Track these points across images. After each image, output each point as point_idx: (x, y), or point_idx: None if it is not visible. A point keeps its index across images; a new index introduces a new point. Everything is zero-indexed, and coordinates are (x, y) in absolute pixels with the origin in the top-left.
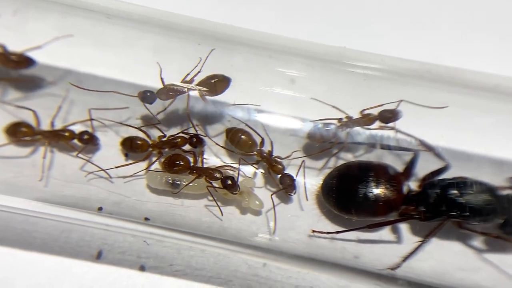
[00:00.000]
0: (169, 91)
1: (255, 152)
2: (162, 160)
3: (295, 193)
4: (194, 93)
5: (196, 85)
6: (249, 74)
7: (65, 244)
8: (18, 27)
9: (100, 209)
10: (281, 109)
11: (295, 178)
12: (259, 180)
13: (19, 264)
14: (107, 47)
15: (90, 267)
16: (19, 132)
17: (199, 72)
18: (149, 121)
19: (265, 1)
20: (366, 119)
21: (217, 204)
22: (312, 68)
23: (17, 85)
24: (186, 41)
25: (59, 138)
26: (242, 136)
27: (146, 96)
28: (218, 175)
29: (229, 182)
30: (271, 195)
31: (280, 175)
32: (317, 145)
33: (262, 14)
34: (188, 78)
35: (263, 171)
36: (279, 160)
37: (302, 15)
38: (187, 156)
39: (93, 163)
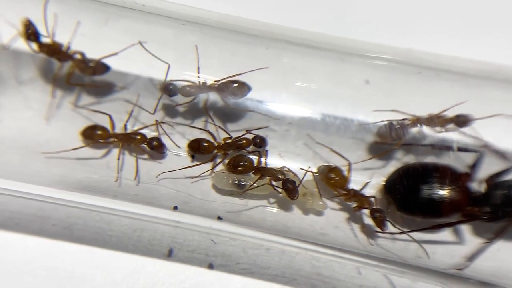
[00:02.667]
0: (192, 89)
1: (344, 192)
2: (227, 161)
3: (386, 229)
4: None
5: (218, 86)
6: (319, 77)
7: (138, 243)
8: (92, 34)
9: (175, 208)
10: (338, 110)
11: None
12: None
13: (97, 261)
14: (177, 52)
15: (162, 264)
16: (95, 135)
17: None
18: (212, 123)
19: (330, 4)
20: (439, 121)
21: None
22: (378, 69)
23: (90, 90)
24: (254, 45)
25: (132, 141)
26: (333, 175)
27: (169, 88)
28: (281, 176)
29: (290, 186)
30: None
31: (370, 210)
32: (383, 145)
33: (327, 17)
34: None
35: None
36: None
37: (366, 17)
38: (251, 157)
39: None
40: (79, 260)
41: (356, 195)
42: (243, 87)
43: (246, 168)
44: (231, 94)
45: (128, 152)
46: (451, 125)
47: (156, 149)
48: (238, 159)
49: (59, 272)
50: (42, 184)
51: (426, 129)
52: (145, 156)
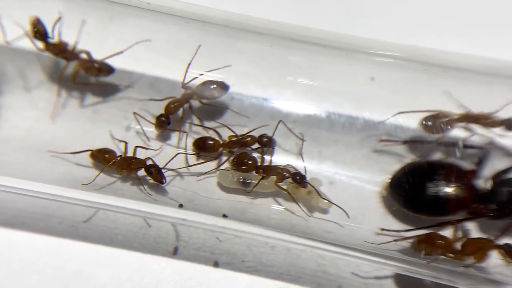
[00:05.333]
0: (175, 104)
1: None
2: (232, 159)
3: None
4: None
5: (195, 90)
6: (324, 74)
7: (143, 241)
8: (97, 32)
9: (180, 206)
10: (343, 108)
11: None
12: None
13: (103, 259)
14: (182, 50)
15: (167, 262)
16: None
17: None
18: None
19: (335, 1)
20: (489, 122)
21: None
22: (384, 66)
23: (95, 89)
24: (258, 43)
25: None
26: (426, 246)
27: (162, 121)
28: (287, 174)
29: (299, 178)
30: None
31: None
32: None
33: (332, 14)
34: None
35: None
36: None
37: (370, 13)
38: (256, 156)
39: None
40: (85, 258)
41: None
42: (222, 87)
43: (249, 166)
44: (210, 95)
45: None
46: (500, 128)
47: (154, 178)
48: (242, 157)
49: (65, 271)
50: (47, 182)
51: (472, 127)
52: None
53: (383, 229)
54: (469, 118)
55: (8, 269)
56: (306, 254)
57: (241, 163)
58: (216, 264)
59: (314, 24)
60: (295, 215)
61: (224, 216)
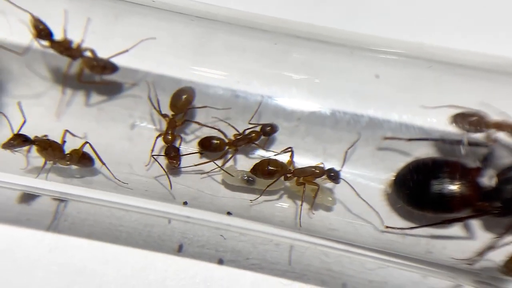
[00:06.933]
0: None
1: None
2: (254, 165)
3: None
4: None
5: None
6: (329, 72)
7: (148, 238)
8: (102, 31)
9: (185, 203)
10: (348, 105)
11: None
12: None
13: (107, 256)
14: (186, 48)
15: (172, 260)
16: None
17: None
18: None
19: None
20: None
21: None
22: (389, 63)
23: (100, 87)
24: (263, 40)
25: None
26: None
27: (174, 157)
28: (319, 171)
29: (333, 173)
30: None
31: None
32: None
33: (337, 11)
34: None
35: None
36: None
37: (375, 11)
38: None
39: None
40: (90, 256)
41: None
42: (191, 92)
43: (280, 171)
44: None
45: None
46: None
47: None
48: (271, 163)
49: (70, 268)
50: (53, 180)
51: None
52: None
53: (387, 227)
54: (503, 126)
55: (13, 265)
56: (310, 251)
57: (270, 171)
58: (220, 262)
59: (319, 21)
60: (302, 212)
61: (229, 213)
